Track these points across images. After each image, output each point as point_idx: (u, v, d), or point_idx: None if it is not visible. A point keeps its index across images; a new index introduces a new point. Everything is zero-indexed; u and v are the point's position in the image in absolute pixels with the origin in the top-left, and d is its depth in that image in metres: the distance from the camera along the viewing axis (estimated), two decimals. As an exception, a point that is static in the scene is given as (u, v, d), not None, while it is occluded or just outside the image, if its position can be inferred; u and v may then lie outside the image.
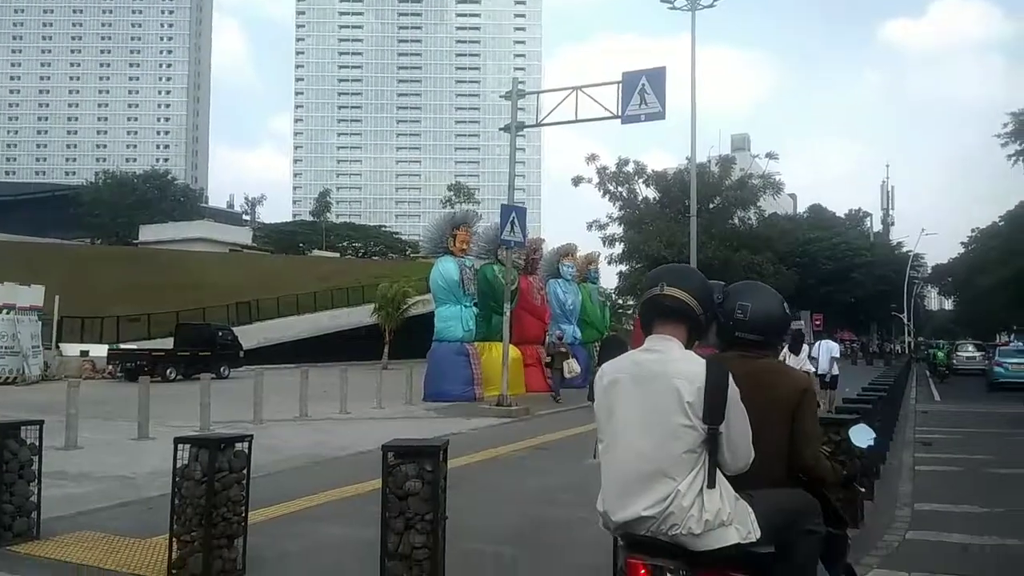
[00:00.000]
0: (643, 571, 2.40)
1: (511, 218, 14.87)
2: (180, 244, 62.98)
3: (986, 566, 5.71)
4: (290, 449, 10.49)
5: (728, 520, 2.35)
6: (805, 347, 13.67)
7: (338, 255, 75.66)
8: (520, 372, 19.60)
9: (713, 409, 2.34)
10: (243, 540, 5.13)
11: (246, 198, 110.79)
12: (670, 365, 2.43)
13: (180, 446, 5.09)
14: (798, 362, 12.16)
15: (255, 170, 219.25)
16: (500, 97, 17.89)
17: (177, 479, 5.05)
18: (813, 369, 13.50)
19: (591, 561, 5.15)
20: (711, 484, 2.34)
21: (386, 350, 35.02)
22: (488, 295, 19.47)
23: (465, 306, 18.84)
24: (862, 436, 3.42)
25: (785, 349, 12.16)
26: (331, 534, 6.19)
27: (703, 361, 2.43)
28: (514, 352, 19.12)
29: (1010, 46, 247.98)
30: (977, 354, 34.79)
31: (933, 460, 10.42)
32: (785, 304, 3.02)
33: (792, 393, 2.78)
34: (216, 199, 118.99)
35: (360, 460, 9.36)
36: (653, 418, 2.40)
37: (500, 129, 18.30)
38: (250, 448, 5.22)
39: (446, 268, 18.73)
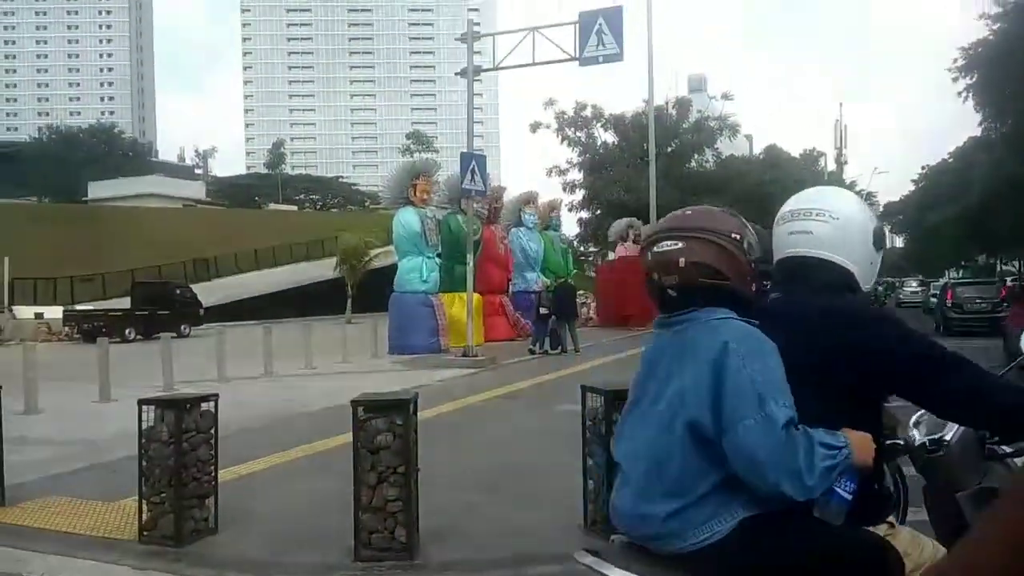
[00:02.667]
0: None
1: (471, 166, 14.71)
2: (132, 200, 61.36)
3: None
4: (258, 406, 10.43)
5: None
6: None
7: (296, 208, 74.50)
8: (484, 321, 19.65)
9: None
10: (214, 499, 5.13)
11: (196, 151, 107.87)
12: None
13: (145, 407, 5.04)
14: None
15: (206, 121, 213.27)
16: (455, 40, 17.47)
17: (143, 441, 5.00)
18: None
19: (565, 503, 5.26)
20: None
21: (349, 304, 34.81)
22: (452, 245, 19.35)
23: (428, 257, 18.73)
24: None
25: None
26: (304, 489, 6.21)
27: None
28: (477, 300, 19.16)
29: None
30: (919, 289, 37.92)
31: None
32: None
33: None
34: (166, 152, 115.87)
35: (329, 415, 9.35)
36: None
37: (456, 74, 17.99)
38: (217, 407, 5.17)
39: (407, 219, 18.54)
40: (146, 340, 25.05)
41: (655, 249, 2.03)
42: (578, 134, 41.74)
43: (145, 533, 4.95)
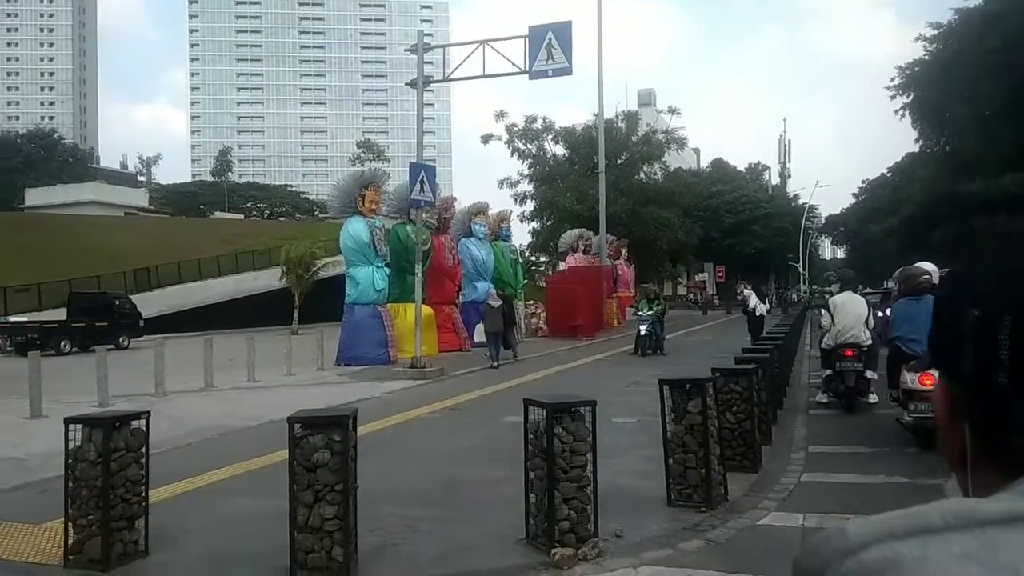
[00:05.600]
0: (849, 352, 9.85)
1: (420, 176, 14.63)
2: (70, 208, 59.43)
3: (876, 503, 6.09)
4: (195, 421, 10.19)
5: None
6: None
7: (242, 216, 73.14)
8: (434, 332, 19.51)
9: None
10: (145, 520, 4.97)
11: (140, 158, 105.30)
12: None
13: (72, 426, 4.87)
14: (759, 305, 20.23)
15: (150, 128, 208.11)
16: (405, 51, 17.40)
17: (70, 461, 4.83)
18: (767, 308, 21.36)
19: (504, 519, 5.26)
20: None
21: (296, 314, 34.23)
22: (401, 255, 19.20)
23: (377, 267, 18.54)
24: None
25: (753, 295, 20.31)
26: (239, 507, 6.07)
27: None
28: (427, 312, 19.03)
29: (899, 1, 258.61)
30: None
31: (826, 404, 11.00)
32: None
33: None
34: (109, 159, 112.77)
35: (269, 430, 9.15)
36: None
37: (407, 84, 17.89)
38: (148, 425, 5.03)
39: (356, 229, 18.33)
40: (83, 352, 24.25)
41: None
42: (529, 146, 41.95)
43: (71, 557, 4.77)
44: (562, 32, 14.78)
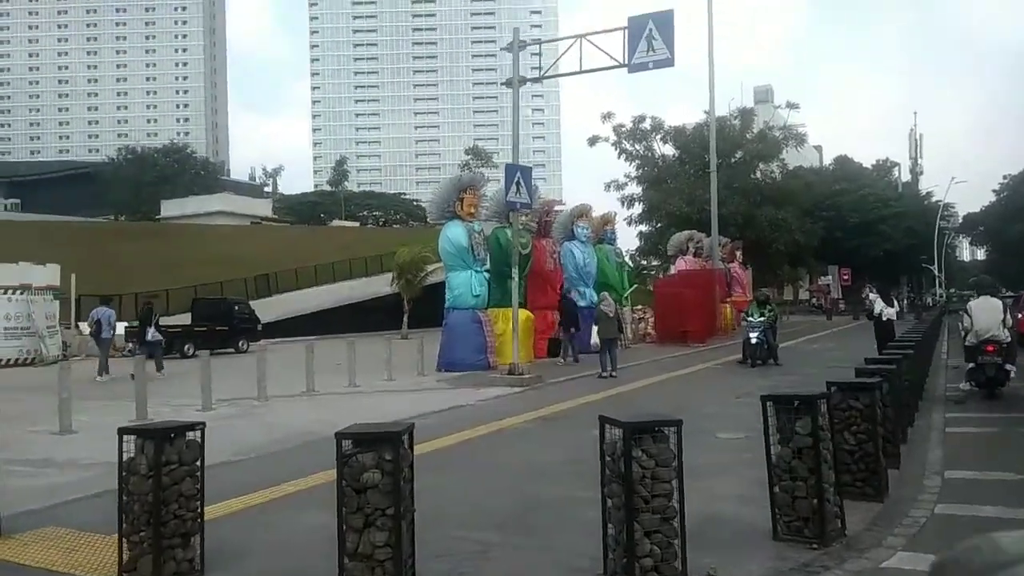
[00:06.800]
0: (990, 347, 11.18)
1: (516, 178, 14.24)
2: (201, 218, 63.03)
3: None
4: (286, 427, 10.13)
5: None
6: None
7: (358, 224, 75.40)
8: (532, 338, 19.05)
9: None
10: (200, 538, 4.73)
11: (264, 169, 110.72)
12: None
13: (125, 437, 4.68)
14: (887, 309, 18.32)
15: (276, 140, 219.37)
16: (500, 49, 17.09)
17: (123, 474, 4.64)
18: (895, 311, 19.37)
19: (583, 548, 4.67)
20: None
21: (405, 319, 34.66)
22: (501, 260, 18.86)
23: (476, 271, 18.28)
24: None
25: (879, 299, 18.69)
26: (309, 524, 5.75)
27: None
28: (527, 317, 18.61)
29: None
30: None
31: (965, 420, 9.80)
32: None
33: None
34: (239, 172, 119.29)
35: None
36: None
37: (502, 84, 17.57)
38: (203, 437, 4.78)
39: (454, 233, 18.14)
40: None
41: None
42: (636, 147, 40.96)
43: (124, 575, 4.57)
44: (663, 21, 14.03)
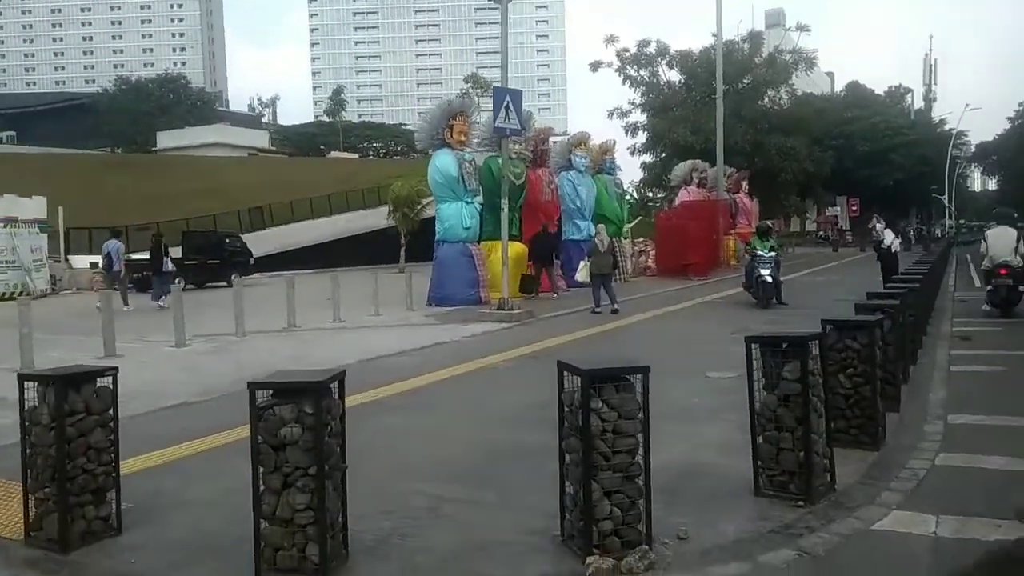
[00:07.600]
0: (1003, 271, 12.84)
1: (505, 102, 13.45)
2: (198, 150, 62.01)
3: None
4: (257, 365, 9.61)
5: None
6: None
7: (357, 156, 74.15)
8: (525, 272, 18.41)
9: None
10: (116, 493, 4.26)
11: (259, 99, 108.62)
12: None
13: (26, 384, 4.17)
14: (895, 241, 19.35)
15: (275, 70, 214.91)
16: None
17: (25, 424, 4.14)
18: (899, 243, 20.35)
19: (547, 506, 4.14)
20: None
21: (403, 253, 34.10)
22: (494, 190, 18.10)
23: (466, 202, 17.56)
24: None
25: (889, 231, 19.51)
26: (249, 478, 5.30)
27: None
28: (519, 250, 18.00)
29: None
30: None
31: (972, 358, 9.27)
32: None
33: None
34: (236, 101, 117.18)
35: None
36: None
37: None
38: (115, 383, 4.25)
39: (443, 162, 17.34)
40: (198, 289, 24.99)
41: None
42: (641, 73, 39.57)
43: (32, 534, 4.12)
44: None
